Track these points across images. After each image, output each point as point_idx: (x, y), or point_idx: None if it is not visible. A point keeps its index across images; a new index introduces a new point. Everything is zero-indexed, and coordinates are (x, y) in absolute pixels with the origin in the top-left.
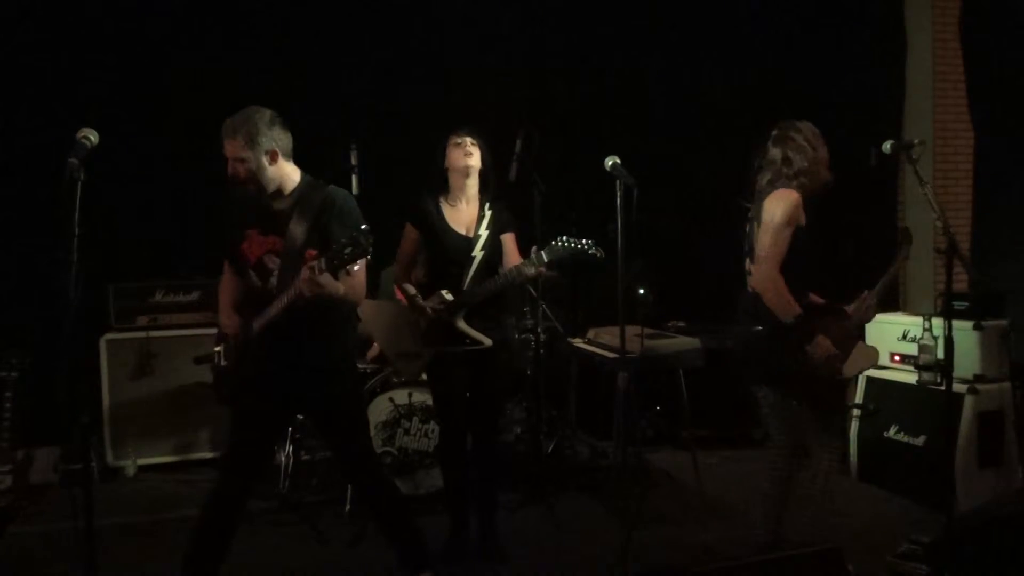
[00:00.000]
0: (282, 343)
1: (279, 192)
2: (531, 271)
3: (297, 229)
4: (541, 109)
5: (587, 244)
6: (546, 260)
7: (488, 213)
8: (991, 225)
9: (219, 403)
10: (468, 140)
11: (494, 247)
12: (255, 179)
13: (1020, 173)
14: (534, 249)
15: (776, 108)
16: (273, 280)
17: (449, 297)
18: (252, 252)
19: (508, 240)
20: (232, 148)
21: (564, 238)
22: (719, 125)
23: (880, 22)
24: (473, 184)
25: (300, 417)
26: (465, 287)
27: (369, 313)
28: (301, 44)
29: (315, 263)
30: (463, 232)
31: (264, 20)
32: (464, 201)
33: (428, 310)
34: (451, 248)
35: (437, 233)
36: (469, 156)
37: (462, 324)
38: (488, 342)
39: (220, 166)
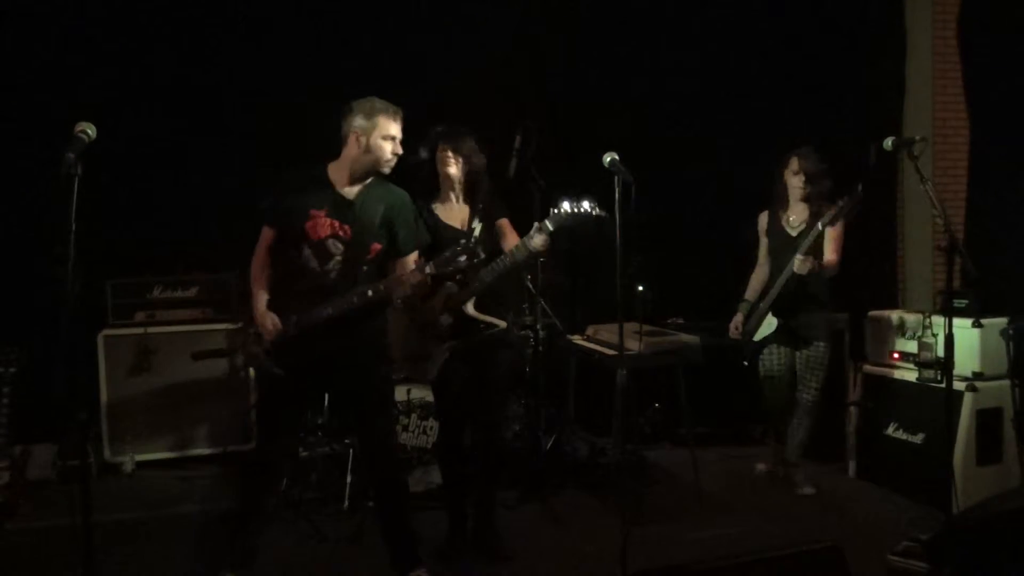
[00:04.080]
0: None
1: (359, 180)
2: (536, 242)
3: (367, 221)
4: (541, 108)
5: (590, 207)
6: (551, 228)
7: (480, 207)
8: (986, 222)
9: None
10: (449, 152)
11: (490, 238)
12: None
13: (1017, 171)
14: (536, 224)
15: (775, 106)
16: (332, 265)
17: (455, 289)
18: (316, 233)
19: (504, 225)
20: (399, 127)
21: (565, 205)
22: (719, 122)
23: (880, 21)
24: (460, 187)
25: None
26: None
27: None
28: (302, 44)
29: (426, 265)
30: (458, 227)
31: (266, 19)
32: (455, 199)
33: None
34: (448, 244)
35: (431, 231)
36: (449, 167)
37: (472, 310)
38: (502, 324)
39: (218, 163)
